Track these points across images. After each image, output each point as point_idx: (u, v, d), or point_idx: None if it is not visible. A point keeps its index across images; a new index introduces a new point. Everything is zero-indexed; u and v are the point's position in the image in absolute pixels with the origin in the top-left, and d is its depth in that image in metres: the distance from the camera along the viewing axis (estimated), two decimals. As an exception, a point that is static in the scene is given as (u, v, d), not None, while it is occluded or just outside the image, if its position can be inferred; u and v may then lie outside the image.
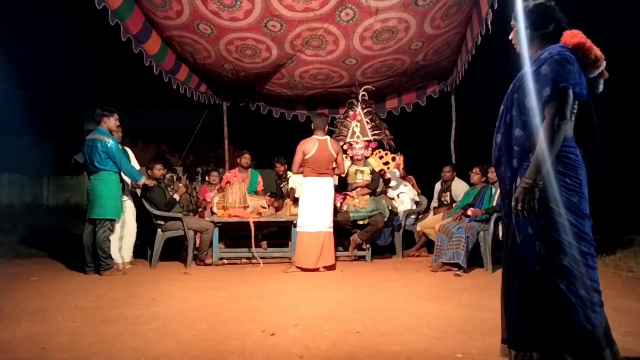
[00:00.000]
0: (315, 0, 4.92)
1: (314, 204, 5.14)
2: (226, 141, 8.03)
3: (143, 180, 5.08)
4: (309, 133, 5.41)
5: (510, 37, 2.20)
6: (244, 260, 5.62)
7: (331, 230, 5.20)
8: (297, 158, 5.21)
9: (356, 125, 6.16)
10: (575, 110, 1.96)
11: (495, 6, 4.09)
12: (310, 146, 5.18)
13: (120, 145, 5.34)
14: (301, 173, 5.32)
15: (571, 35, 1.98)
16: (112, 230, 4.93)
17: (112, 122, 5.04)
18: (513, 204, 1.95)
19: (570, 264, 1.89)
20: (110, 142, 4.87)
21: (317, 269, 5.01)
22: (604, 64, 1.98)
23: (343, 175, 5.92)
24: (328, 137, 5.32)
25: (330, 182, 5.26)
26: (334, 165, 5.31)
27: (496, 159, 2.15)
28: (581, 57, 1.95)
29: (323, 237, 5.08)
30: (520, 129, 2.00)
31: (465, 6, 5.11)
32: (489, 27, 4.37)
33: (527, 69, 2.03)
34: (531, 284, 1.97)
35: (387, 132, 6.20)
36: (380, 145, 6.27)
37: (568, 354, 1.88)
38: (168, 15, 5.12)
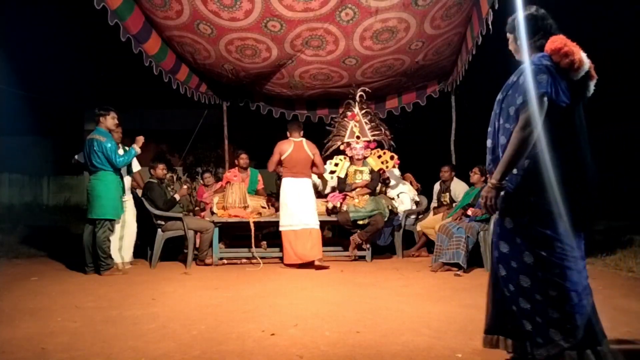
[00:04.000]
0: (315, 0, 4.92)
1: (293, 204, 5.32)
2: (226, 141, 8.04)
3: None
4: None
5: (510, 47, 2.27)
6: (244, 260, 5.62)
7: (317, 226, 5.37)
8: (274, 158, 5.45)
9: (355, 126, 6.16)
10: (557, 117, 1.95)
11: (496, 6, 4.10)
12: (286, 147, 5.42)
13: (120, 145, 5.35)
14: (278, 172, 5.58)
15: (551, 42, 2.01)
16: (112, 230, 4.92)
17: (109, 121, 4.98)
18: (480, 199, 2.10)
19: (530, 264, 1.98)
20: (105, 141, 4.82)
21: (310, 263, 5.12)
22: (586, 66, 1.97)
23: (339, 176, 5.97)
24: (304, 139, 5.53)
25: (307, 182, 5.47)
26: (313, 166, 5.50)
27: (488, 163, 2.22)
28: (560, 62, 1.96)
29: (309, 232, 5.26)
30: (505, 137, 2.06)
31: (465, 6, 5.11)
32: (489, 27, 4.38)
33: (512, 78, 2.09)
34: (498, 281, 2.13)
35: (387, 132, 6.20)
36: (378, 145, 6.27)
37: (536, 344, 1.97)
38: (168, 15, 5.12)
